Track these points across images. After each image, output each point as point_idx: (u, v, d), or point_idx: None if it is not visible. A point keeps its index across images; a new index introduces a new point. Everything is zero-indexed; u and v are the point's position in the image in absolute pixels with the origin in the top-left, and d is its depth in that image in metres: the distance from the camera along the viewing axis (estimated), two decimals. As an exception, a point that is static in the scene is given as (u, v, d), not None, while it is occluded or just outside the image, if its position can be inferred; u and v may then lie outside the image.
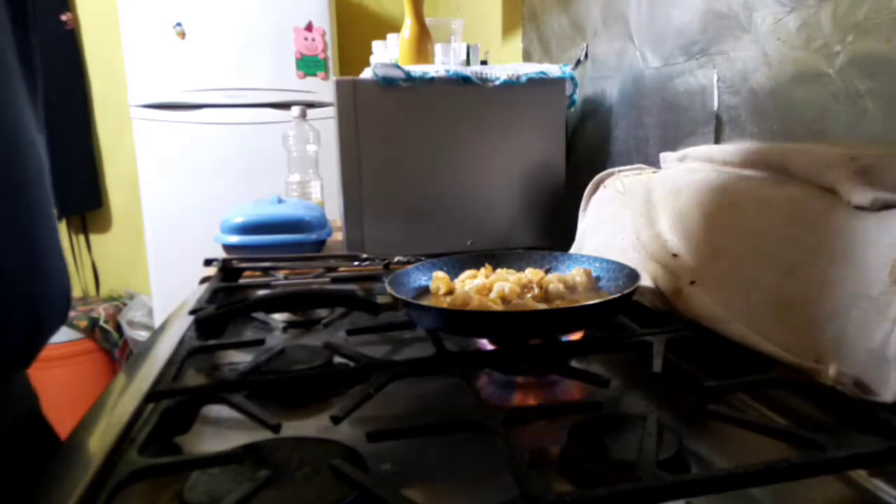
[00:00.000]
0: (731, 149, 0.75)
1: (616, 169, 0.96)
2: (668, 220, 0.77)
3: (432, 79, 1.07)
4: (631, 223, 0.83)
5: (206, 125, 2.29)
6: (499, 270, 0.77)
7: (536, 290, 0.70)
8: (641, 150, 1.02)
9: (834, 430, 0.50)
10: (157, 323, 2.44)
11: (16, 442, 0.55)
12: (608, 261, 0.76)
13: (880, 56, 0.57)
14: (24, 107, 0.52)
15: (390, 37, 1.41)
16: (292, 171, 1.53)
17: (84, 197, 2.76)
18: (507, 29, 1.78)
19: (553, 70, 1.11)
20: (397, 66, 1.08)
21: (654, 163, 0.93)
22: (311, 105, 2.10)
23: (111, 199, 2.87)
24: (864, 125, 0.60)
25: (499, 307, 0.66)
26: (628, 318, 0.68)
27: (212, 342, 0.69)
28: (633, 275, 0.69)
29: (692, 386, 0.57)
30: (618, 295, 0.62)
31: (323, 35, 2.33)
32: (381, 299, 0.71)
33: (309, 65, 2.33)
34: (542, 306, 0.65)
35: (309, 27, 2.32)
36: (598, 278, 0.75)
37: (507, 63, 1.29)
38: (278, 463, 0.44)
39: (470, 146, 1.12)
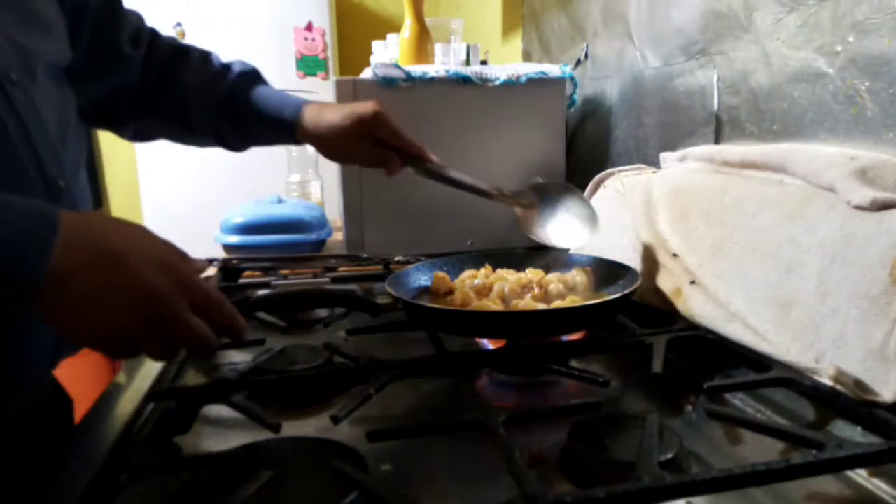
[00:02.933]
0: (731, 149, 0.75)
1: (616, 169, 0.96)
2: (668, 220, 0.77)
3: (432, 79, 1.07)
4: (631, 223, 0.83)
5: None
6: (499, 270, 0.77)
7: (536, 290, 0.70)
8: (641, 150, 1.02)
9: (834, 430, 0.50)
10: (157, 323, 2.44)
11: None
12: (608, 261, 0.76)
13: (880, 56, 0.57)
14: None
15: (390, 37, 1.41)
16: (292, 171, 1.53)
17: (84, 197, 2.76)
18: (507, 29, 1.78)
19: (553, 70, 1.11)
20: (397, 66, 1.07)
21: (654, 163, 0.93)
22: (311, 105, 2.10)
23: (111, 200, 2.86)
24: (864, 125, 0.60)
25: (499, 307, 0.66)
26: (628, 318, 0.68)
27: (212, 342, 0.69)
28: (633, 275, 0.69)
29: (692, 386, 0.57)
30: (618, 295, 0.62)
31: (323, 35, 2.33)
32: (381, 299, 0.71)
33: (309, 65, 2.33)
34: (541, 306, 0.65)
35: (309, 27, 2.32)
36: (598, 278, 0.75)
37: (507, 63, 1.29)
38: (278, 463, 0.44)
39: (470, 146, 1.11)
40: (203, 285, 0.45)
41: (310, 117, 0.77)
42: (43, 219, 0.40)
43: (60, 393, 0.68)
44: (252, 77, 0.81)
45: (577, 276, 0.74)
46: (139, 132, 0.84)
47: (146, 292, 0.41)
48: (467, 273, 0.77)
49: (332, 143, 0.78)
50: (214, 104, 0.79)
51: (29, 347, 0.54)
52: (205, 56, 0.82)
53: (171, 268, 0.44)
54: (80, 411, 0.55)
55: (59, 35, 0.62)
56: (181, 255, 0.46)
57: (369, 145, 0.77)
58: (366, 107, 0.76)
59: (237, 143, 0.84)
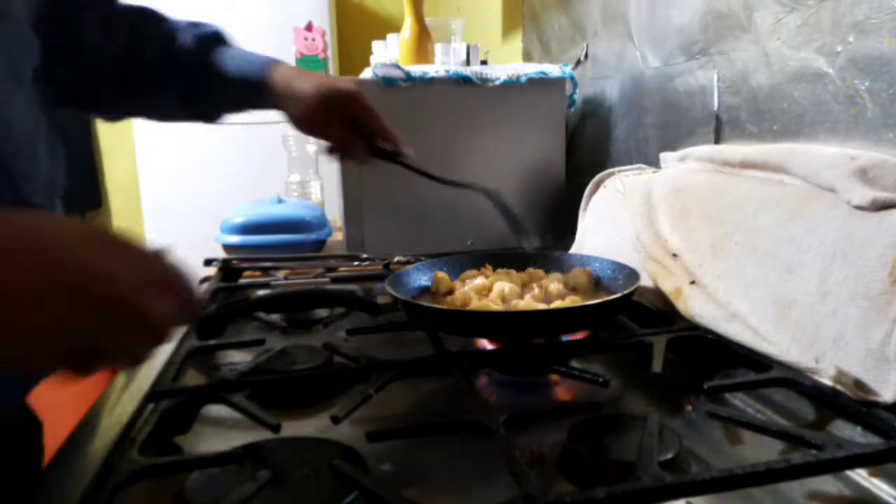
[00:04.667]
0: (731, 149, 0.75)
1: (616, 169, 0.96)
2: (668, 220, 0.77)
3: (432, 79, 1.07)
4: (631, 223, 0.83)
5: (206, 125, 2.28)
6: (499, 270, 0.77)
7: (536, 290, 0.70)
8: (641, 150, 1.02)
9: (834, 430, 0.50)
10: (157, 323, 2.44)
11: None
12: (608, 261, 0.76)
13: (880, 56, 0.57)
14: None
15: (390, 37, 1.41)
16: (292, 171, 1.53)
17: (84, 197, 2.76)
18: (507, 29, 1.78)
19: (553, 70, 1.11)
20: (397, 66, 1.08)
21: (654, 163, 0.93)
22: (312, 105, 2.10)
23: (111, 199, 2.87)
24: (864, 125, 0.60)
25: (499, 307, 0.66)
26: (628, 318, 0.68)
27: (212, 342, 0.69)
28: (633, 275, 0.69)
29: (692, 386, 0.57)
30: (618, 295, 0.62)
31: (323, 35, 2.33)
32: (381, 299, 0.71)
33: (309, 65, 2.33)
34: (541, 306, 0.65)
35: (309, 27, 2.32)
36: (598, 278, 0.75)
37: (507, 63, 1.29)
38: (278, 463, 0.44)
39: (470, 146, 1.11)
40: (161, 261, 0.36)
41: (280, 79, 0.72)
42: None
43: (28, 416, 0.59)
44: (214, 38, 0.75)
45: (576, 277, 0.74)
46: (114, 111, 0.78)
47: (80, 266, 0.32)
48: (467, 273, 0.77)
49: (300, 111, 0.72)
50: (176, 73, 0.73)
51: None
52: (163, 22, 0.74)
53: (117, 245, 0.35)
54: (80, 411, 0.55)
55: (21, 23, 0.51)
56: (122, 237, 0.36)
57: (339, 123, 0.72)
58: (346, 82, 0.72)
59: (207, 112, 0.79)
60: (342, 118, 0.72)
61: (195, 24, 0.75)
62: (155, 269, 0.36)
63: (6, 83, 0.47)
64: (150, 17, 0.74)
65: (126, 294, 0.33)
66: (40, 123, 0.52)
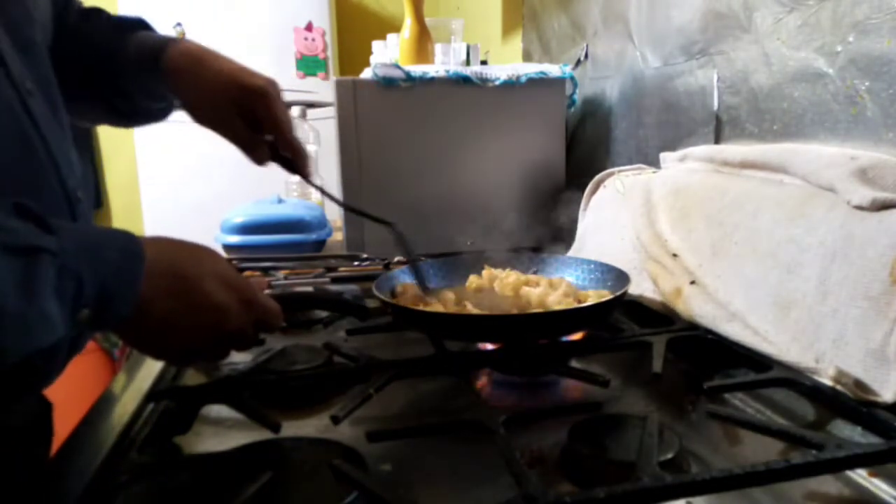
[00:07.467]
0: (731, 149, 0.75)
1: (616, 169, 0.96)
2: (668, 220, 0.77)
3: (432, 79, 1.07)
4: (631, 223, 0.83)
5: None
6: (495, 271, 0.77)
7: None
8: (641, 150, 1.02)
9: (834, 430, 0.50)
10: (157, 323, 2.43)
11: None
12: (597, 263, 0.75)
13: (880, 56, 0.57)
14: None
15: (390, 37, 1.41)
16: (292, 171, 1.53)
17: (84, 197, 2.76)
18: (507, 29, 1.78)
19: (553, 70, 1.11)
20: (397, 66, 1.08)
21: (654, 163, 0.93)
22: (311, 105, 2.09)
23: (111, 199, 2.86)
24: (863, 125, 0.60)
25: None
26: (628, 319, 0.68)
27: (212, 342, 0.69)
28: (623, 276, 0.68)
29: (692, 386, 0.57)
30: (610, 297, 0.62)
31: (323, 35, 2.33)
32: (371, 302, 0.70)
33: (309, 65, 2.32)
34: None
35: (309, 27, 2.32)
36: (585, 282, 0.75)
37: (507, 63, 1.29)
38: (278, 463, 0.44)
39: (470, 146, 1.11)
40: (263, 301, 0.50)
41: (178, 61, 0.62)
42: (129, 251, 0.41)
43: (41, 399, 0.61)
44: (130, 26, 0.67)
45: (561, 280, 0.73)
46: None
47: (219, 312, 0.45)
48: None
49: (195, 102, 0.64)
50: (88, 65, 0.65)
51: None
52: (98, 21, 0.68)
53: (236, 287, 0.47)
54: (79, 412, 0.55)
55: (47, 16, 0.53)
56: (240, 274, 0.50)
57: (240, 121, 0.65)
58: (256, 79, 0.63)
59: (112, 104, 0.68)
60: (244, 117, 0.65)
61: (120, 18, 0.68)
62: (248, 297, 0.48)
63: (50, 80, 0.52)
64: (92, 17, 0.68)
65: (242, 328, 0.47)
66: (66, 123, 0.54)
